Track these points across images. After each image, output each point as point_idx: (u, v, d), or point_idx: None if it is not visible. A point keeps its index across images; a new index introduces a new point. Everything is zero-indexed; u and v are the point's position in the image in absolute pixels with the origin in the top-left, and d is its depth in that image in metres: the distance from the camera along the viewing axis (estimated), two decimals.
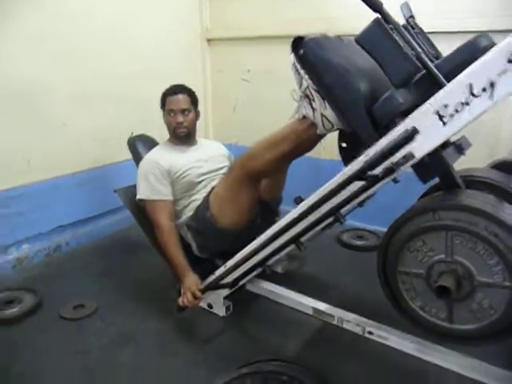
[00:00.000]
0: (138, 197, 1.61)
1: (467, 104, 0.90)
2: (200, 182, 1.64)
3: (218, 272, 1.47)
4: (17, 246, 1.92)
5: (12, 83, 1.80)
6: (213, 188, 1.55)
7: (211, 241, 1.53)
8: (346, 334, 1.36)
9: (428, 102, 0.94)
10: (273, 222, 1.61)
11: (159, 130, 1.85)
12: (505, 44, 0.86)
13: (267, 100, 2.38)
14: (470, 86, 0.88)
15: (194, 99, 1.71)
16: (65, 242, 2.08)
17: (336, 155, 1.28)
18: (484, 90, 0.87)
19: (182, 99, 1.66)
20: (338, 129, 1.13)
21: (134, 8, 2.22)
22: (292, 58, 1.07)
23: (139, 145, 1.87)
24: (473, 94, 0.88)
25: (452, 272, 0.96)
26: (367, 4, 0.91)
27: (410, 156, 0.97)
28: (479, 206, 0.95)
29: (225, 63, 2.62)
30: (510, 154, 1.61)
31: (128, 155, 1.88)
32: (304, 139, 1.20)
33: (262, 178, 1.41)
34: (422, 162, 0.98)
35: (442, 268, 0.98)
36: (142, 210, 1.64)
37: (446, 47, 1.09)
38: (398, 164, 0.99)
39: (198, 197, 1.61)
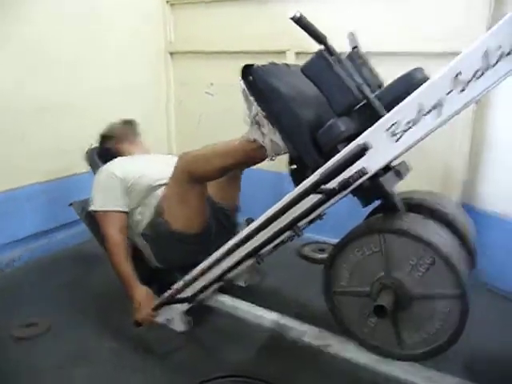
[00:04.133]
0: (91, 208, 1.59)
1: (417, 122, 0.93)
2: (156, 187, 1.61)
3: (176, 286, 1.45)
4: None
5: None
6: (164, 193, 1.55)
7: (168, 248, 1.52)
8: (306, 348, 1.38)
9: (379, 120, 0.97)
10: (232, 232, 1.63)
11: None
12: (451, 65, 0.91)
13: (230, 113, 2.40)
14: (420, 105, 0.92)
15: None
16: (18, 257, 2.00)
17: None
18: (434, 107, 0.91)
19: None
20: (286, 153, 1.18)
21: (98, 20, 2.20)
22: (242, 84, 1.10)
23: (98, 156, 1.85)
24: (422, 113, 0.92)
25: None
26: (312, 37, 0.97)
27: (362, 171, 1.00)
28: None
29: (188, 77, 2.63)
30: None
31: (86, 168, 1.86)
32: (251, 157, 1.25)
33: (205, 181, 1.43)
34: (362, 187, 1.04)
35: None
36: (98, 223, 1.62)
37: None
38: (353, 179, 1.01)
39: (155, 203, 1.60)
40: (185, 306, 1.48)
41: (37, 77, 1.97)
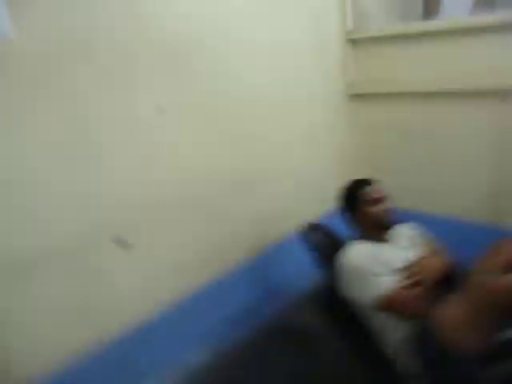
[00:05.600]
0: (375, 295, 1.41)
1: None
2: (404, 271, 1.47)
3: None
4: None
5: None
6: (441, 304, 1.32)
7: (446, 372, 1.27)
8: None
9: None
10: None
11: None
12: None
13: (427, 159, 2.19)
14: None
15: None
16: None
17: None
18: None
19: (380, 187, 1.65)
20: None
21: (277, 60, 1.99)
22: None
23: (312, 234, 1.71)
24: None
25: None
26: None
27: None
28: None
29: (372, 120, 2.39)
30: None
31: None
32: None
33: None
34: None
35: None
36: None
37: None
38: None
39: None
40: None
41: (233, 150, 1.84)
